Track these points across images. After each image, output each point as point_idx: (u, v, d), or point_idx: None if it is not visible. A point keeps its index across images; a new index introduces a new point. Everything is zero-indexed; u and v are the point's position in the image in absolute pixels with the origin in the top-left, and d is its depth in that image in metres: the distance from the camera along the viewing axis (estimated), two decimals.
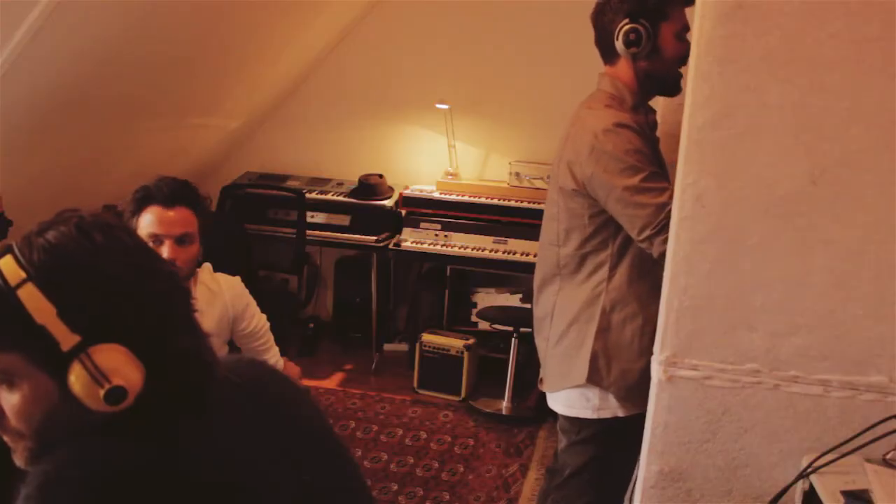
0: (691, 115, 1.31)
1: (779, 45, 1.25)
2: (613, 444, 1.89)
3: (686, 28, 1.78)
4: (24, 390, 0.84)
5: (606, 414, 1.87)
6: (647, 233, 1.69)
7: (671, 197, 1.57)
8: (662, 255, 1.60)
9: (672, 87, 1.85)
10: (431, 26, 4.04)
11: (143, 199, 1.88)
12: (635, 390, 1.82)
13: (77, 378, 0.81)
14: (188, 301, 0.93)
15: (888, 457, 1.22)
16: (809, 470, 1.24)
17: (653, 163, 1.74)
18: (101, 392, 0.81)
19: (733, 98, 1.28)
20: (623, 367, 1.85)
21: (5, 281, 0.81)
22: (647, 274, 1.79)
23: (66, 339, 0.81)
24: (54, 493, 0.79)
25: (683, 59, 1.76)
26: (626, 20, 1.77)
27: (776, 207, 1.31)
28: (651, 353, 1.70)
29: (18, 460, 0.88)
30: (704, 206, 1.33)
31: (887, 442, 1.22)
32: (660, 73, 1.81)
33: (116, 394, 0.82)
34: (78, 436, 0.85)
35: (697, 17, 1.29)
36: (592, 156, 1.75)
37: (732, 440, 1.41)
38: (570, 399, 1.93)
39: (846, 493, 1.16)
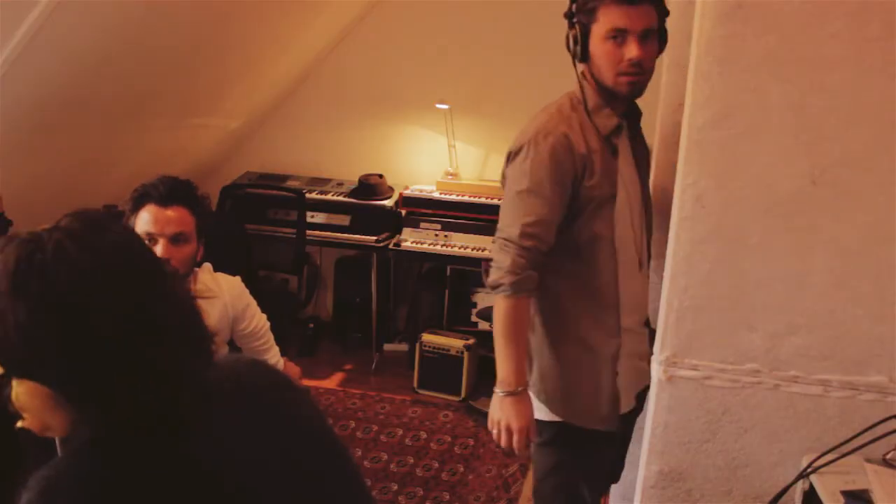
0: (691, 115, 1.31)
1: (779, 45, 1.25)
2: (575, 448, 1.83)
3: (615, 30, 1.63)
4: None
5: (557, 417, 1.81)
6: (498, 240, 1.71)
7: (531, 228, 1.64)
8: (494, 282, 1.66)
9: (613, 93, 1.70)
10: (431, 26, 4.04)
11: (140, 197, 1.88)
12: (559, 400, 1.80)
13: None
14: (180, 316, 0.88)
15: (888, 457, 1.22)
16: (809, 470, 1.24)
17: (556, 182, 1.66)
18: (17, 425, 0.81)
19: (733, 98, 1.28)
20: (542, 371, 1.81)
21: None
22: (575, 281, 1.76)
23: None
24: (55, 499, 0.79)
25: (617, 62, 1.65)
26: (568, 22, 1.74)
27: (776, 207, 1.31)
28: (575, 367, 1.74)
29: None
30: (704, 206, 1.33)
31: (887, 442, 1.22)
32: (597, 77, 1.71)
33: (25, 433, 0.81)
34: (77, 435, 0.85)
35: (697, 17, 1.29)
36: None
37: (732, 440, 1.42)
38: (541, 406, 1.87)
39: (846, 493, 1.17)
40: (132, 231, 0.92)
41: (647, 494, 1.47)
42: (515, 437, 1.71)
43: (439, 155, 4.16)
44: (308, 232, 3.95)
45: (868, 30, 1.22)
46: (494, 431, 1.75)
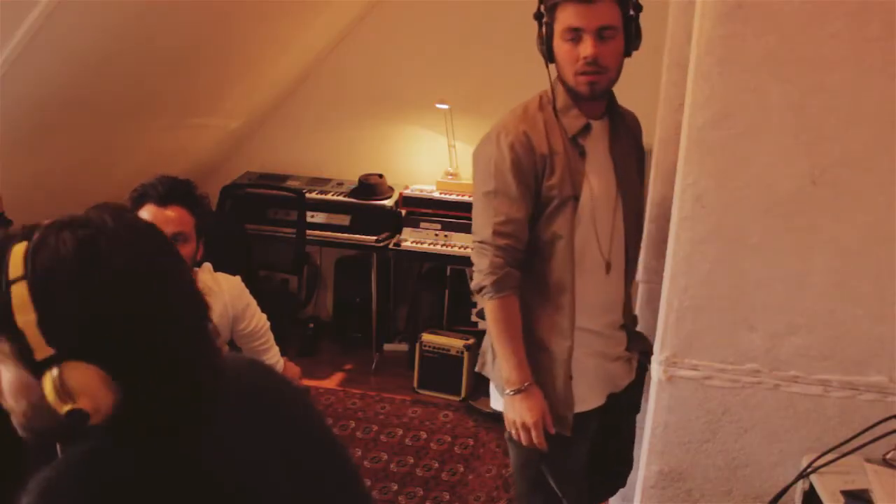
0: (691, 115, 1.31)
1: (779, 45, 1.25)
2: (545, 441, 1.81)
3: (570, 29, 1.61)
4: (10, 374, 0.82)
5: None
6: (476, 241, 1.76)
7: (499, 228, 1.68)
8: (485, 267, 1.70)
9: (577, 93, 1.68)
10: (431, 26, 4.04)
11: (139, 197, 1.88)
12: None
13: (46, 388, 0.78)
14: (202, 312, 0.89)
15: (888, 457, 1.22)
16: (809, 470, 1.24)
17: (520, 181, 1.67)
18: (64, 409, 0.78)
19: (733, 98, 1.28)
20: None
21: (6, 271, 0.78)
22: (540, 279, 1.76)
23: (40, 349, 0.78)
24: (55, 501, 0.79)
25: (574, 62, 1.63)
26: (537, 23, 1.71)
27: (776, 207, 1.31)
28: (532, 364, 1.72)
29: (17, 425, 0.86)
30: (704, 206, 1.33)
31: (887, 442, 1.22)
32: (562, 78, 1.69)
33: (77, 416, 0.78)
34: (73, 436, 0.85)
35: (697, 17, 1.29)
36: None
37: (732, 440, 1.42)
38: (494, 393, 1.88)
39: (846, 493, 1.17)
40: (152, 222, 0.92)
41: (647, 494, 1.48)
42: (533, 433, 1.70)
43: (439, 155, 4.16)
44: (308, 232, 3.94)
45: (868, 30, 1.22)
46: (513, 432, 1.74)
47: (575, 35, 1.61)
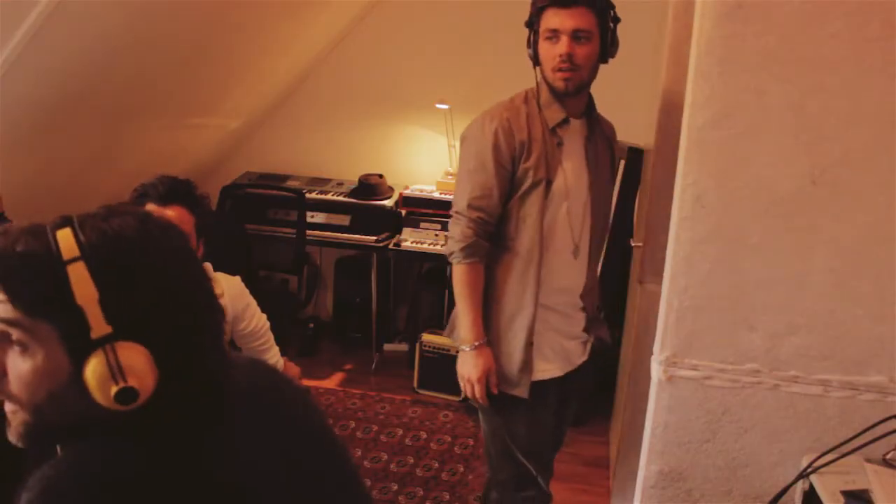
0: (691, 115, 1.31)
1: (779, 45, 1.25)
2: (508, 411, 1.98)
3: (549, 30, 1.82)
4: (37, 360, 0.82)
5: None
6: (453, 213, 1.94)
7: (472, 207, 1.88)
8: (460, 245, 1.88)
9: (555, 88, 1.87)
10: (431, 26, 4.04)
11: (139, 197, 1.88)
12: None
13: (94, 369, 0.80)
14: (220, 318, 0.92)
15: (888, 457, 1.22)
16: (809, 470, 1.24)
17: (498, 162, 1.86)
18: (113, 389, 0.80)
19: (733, 98, 1.28)
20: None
21: (59, 253, 0.80)
22: (507, 251, 1.94)
23: (99, 326, 0.80)
24: (56, 499, 0.79)
25: (552, 59, 1.83)
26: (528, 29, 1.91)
27: (776, 207, 1.31)
28: (495, 329, 1.93)
29: (12, 436, 0.86)
30: (704, 206, 1.33)
31: (887, 442, 1.22)
32: (545, 76, 1.89)
33: (127, 394, 0.81)
34: (79, 431, 0.84)
35: (697, 17, 1.29)
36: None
37: (732, 440, 1.42)
38: None
39: (846, 493, 1.17)
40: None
41: (647, 494, 1.47)
42: (476, 388, 1.92)
43: (439, 155, 4.16)
44: (308, 232, 3.94)
45: (868, 30, 1.22)
46: (462, 384, 1.96)
47: (554, 35, 1.82)
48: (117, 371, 0.80)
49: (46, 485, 0.79)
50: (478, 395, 1.92)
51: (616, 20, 1.88)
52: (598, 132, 2.01)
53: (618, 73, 3.98)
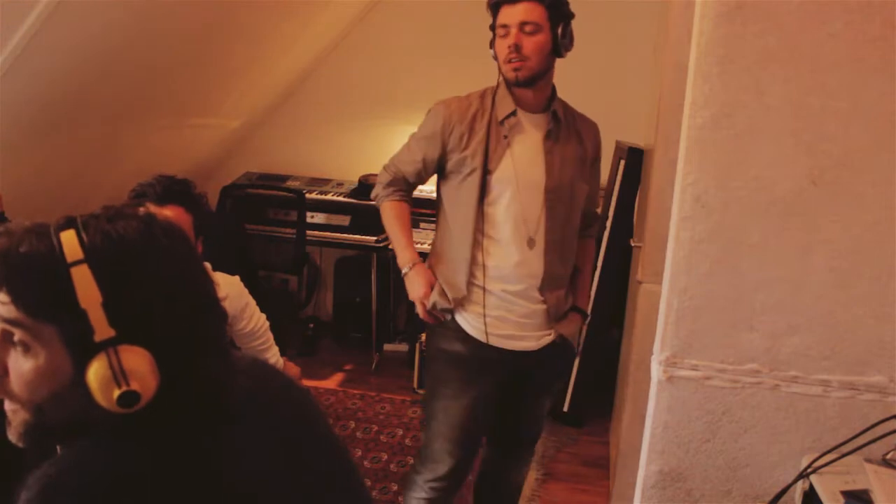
0: (691, 115, 1.31)
1: (779, 45, 1.25)
2: (433, 385, 2.12)
3: (500, 26, 1.93)
4: (39, 361, 0.82)
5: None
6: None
7: (395, 167, 2.11)
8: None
9: (507, 80, 1.96)
10: (431, 26, 4.04)
11: (137, 196, 1.88)
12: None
13: (96, 371, 0.80)
14: (224, 320, 0.93)
15: (888, 457, 1.22)
16: (809, 470, 1.24)
17: (429, 138, 2.04)
18: (116, 392, 0.81)
19: (733, 98, 1.28)
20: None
21: (63, 255, 0.80)
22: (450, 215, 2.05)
23: (102, 329, 0.80)
24: (55, 498, 0.79)
25: (503, 52, 1.93)
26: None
27: (776, 207, 1.31)
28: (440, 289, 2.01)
29: (12, 435, 0.86)
30: (704, 206, 1.33)
31: (887, 442, 1.22)
32: (501, 72, 1.98)
33: (129, 397, 0.81)
34: (79, 431, 0.84)
35: (697, 17, 1.29)
36: None
37: (732, 440, 1.41)
38: None
39: (846, 493, 1.16)
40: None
41: (647, 494, 1.47)
42: (418, 307, 2.05)
43: None
44: (308, 232, 3.94)
45: (868, 29, 1.22)
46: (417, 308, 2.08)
47: (504, 31, 1.93)
48: (120, 374, 0.80)
49: (46, 483, 0.79)
50: (420, 312, 2.05)
51: (569, 15, 1.95)
52: (569, 130, 2.04)
53: (618, 73, 3.99)
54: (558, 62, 1.99)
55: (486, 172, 1.95)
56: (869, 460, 1.22)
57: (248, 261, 3.86)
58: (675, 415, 1.42)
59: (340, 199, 4.05)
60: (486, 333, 2.00)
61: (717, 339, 1.38)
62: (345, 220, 4.02)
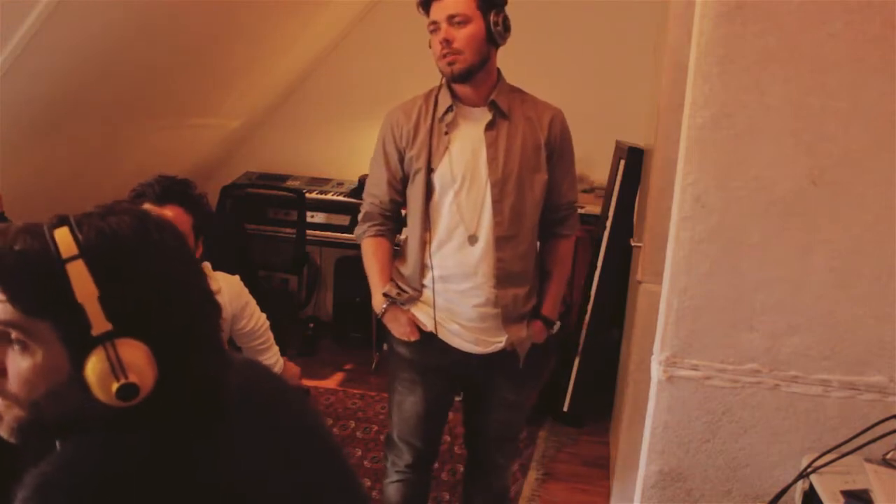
0: (691, 115, 1.31)
1: (779, 45, 1.25)
2: (389, 380, 2.12)
3: (431, 23, 1.93)
4: (36, 359, 0.83)
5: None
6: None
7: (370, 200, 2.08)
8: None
9: (445, 75, 1.94)
10: None
11: (137, 197, 1.89)
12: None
13: (94, 366, 0.81)
14: (218, 316, 0.93)
15: (888, 457, 1.22)
16: (809, 470, 1.24)
17: (386, 152, 2.03)
18: (115, 385, 0.81)
19: (733, 98, 1.28)
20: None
21: (58, 252, 0.81)
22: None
23: (99, 323, 0.81)
24: (51, 496, 0.79)
25: (436, 48, 1.93)
26: None
27: (776, 207, 1.31)
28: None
29: (4, 431, 0.86)
30: (704, 206, 1.33)
31: (887, 442, 1.22)
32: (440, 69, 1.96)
33: (128, 390, 0.81)
34: (76, 427, 0.84)
35: (697, 17, 1.29)
36: None
37: (732, 440, 1.42)
38: None
39: (846, 493, 1.16)
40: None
41: (647, 494, 1.47)
42: (404, 339, 2.03)
43: None
44: (308, 232, 3.94)
45: (868, 29, 1.22)
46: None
47: (434, 26, 1.93)
48: (118, 367, 0.81)
49: (42, 482, 0.79)
50: (409, 337, 2.02)
51: (500, 3, 1.93)
52: (517, 119, 1.95)
53: (618, 73, 4.00)
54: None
55: (429, 171, 1.93)
56: (869, 460, 1.23)
57: (248, 261, 3.86)
58: (675, 415, 1.43)
59: (340, 198, 4.05)
60: (436, 324, 1.97)
61: (717, 339, 1.38)
62: (345, 220, 4.02)
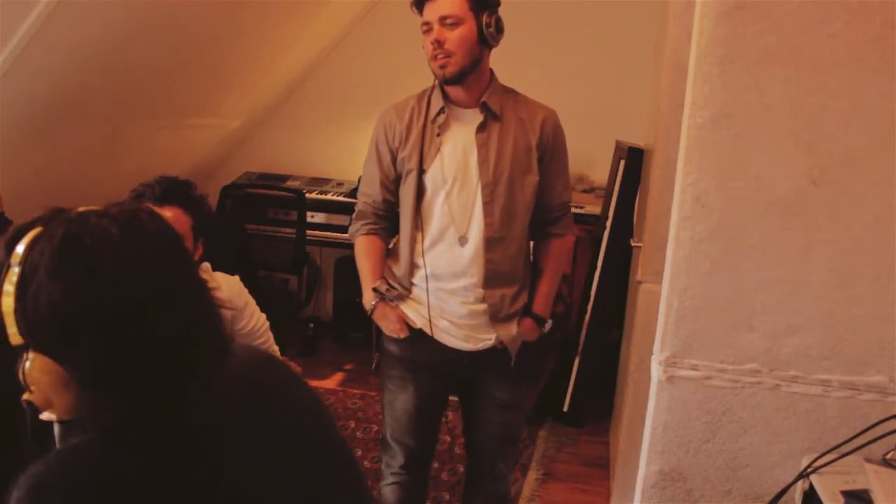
0: (691, 115, 1.31)
1: (779, 45, 1.25)
2: (382, 380, 2.19)
3: (423, 24, 1.91)
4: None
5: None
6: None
7: (364, 198, 2.08)
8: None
9: (440, 81, 1.95)
10: None
11: (137, 197, 1.89)
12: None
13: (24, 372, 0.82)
14: (215, 314, 0.91)
15: (888, 457, 1.22)
16: (809, 470, 1.24)
17: (379, 151, 2.05)
18: (24, 397, 0.82)
19: (733, 98, 1.28)
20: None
21: (10, 254, 0.81)
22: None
23: (14, 336, 0.81)
24: (44, 495, 0.79)
25: (428, 49, 1.91)
26: None
27: (776, 207, 1.31)
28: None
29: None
30: (704, 206, 1.33)
31: (887, 442, 1.22)
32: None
33: (30, 406, 0.82)
34: (76, 426, 0.84)
35: (697, 18, 1.29)
36: None
37: (732, 440, 1.42)
38: None
39: (846, 493, 1.16)
40: (169, 224, 0.93)
41: (647, 494, 1.47)
42: (394, 336, 2.07)
43: None
44: (308, 232, 3.94)
45: (868, 29, 1.22)
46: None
47: (427, 27, 1.91)
48: (24, 381, 0.82)
49: (35, 482, 0.79)
50: (399, 334, 2.06)
51: (493, 3, 1.92)
52: (509, 120, 1.94)
53: (618, 72, 3.99)
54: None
55: (421, 172, 1.94)
56: (869, 460, 1.23)
57: (248, 261, 3.86)
58: (675, 415, 1.43)
59: (340, 198, 4.05)
60: (431, 325, 1.99)
61: (717, 339, 1.38)
62: (345, 220, 4.01)
